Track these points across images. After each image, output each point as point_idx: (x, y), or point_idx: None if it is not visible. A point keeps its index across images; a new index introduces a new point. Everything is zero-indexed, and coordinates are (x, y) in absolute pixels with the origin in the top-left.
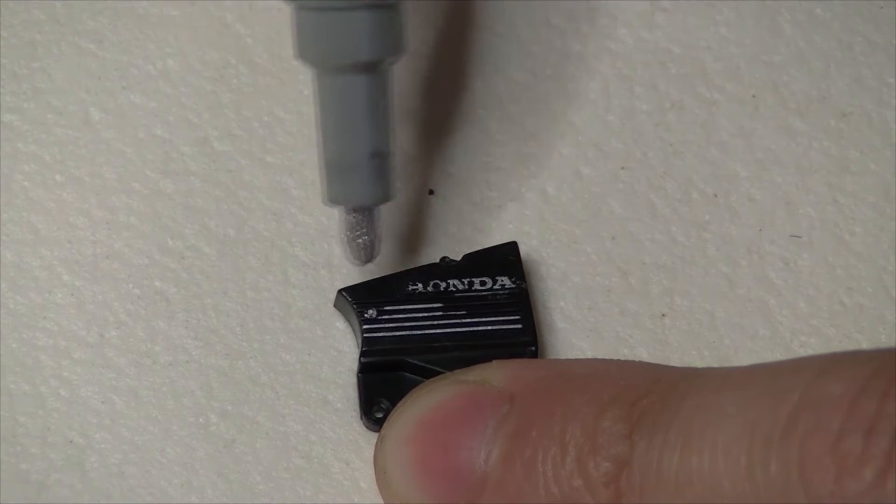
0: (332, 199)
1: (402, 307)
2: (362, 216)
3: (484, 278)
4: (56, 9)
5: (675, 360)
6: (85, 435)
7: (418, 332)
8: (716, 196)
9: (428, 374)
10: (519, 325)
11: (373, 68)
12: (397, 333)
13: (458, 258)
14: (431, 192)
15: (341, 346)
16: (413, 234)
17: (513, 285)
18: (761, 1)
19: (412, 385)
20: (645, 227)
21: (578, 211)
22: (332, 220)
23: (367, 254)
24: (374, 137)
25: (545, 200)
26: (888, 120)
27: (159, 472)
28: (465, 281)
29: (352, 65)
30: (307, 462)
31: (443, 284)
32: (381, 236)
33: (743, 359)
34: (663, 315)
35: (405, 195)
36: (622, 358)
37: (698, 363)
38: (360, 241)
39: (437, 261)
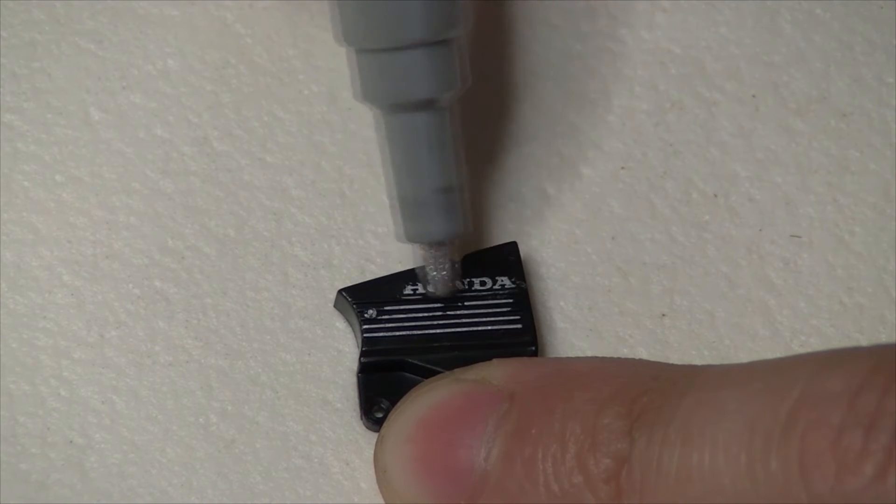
0: (408, 237)
1: (402, 307)
2: (437, 251)
3: (484, 278)
4: (56, 9)
5: (675, 359)
6: (85, 435)
7: (418, 332)
8: (716, 196)
9: (428, 374)
10: (519, 325)
11: (433, 105)
12: (397, 333)
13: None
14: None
15: (341, 346)
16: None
17: (513, 285)
18: (761, 1)
19: (412, 385)
20: (645, 227)
21: (578, 211)
22: (332, 220)
23: (444, 287)
24: (440, 173)
25: (545, 200)
26: (888, 120)
27: (159, 472)
28: (465, 281)
29: (413, 103)
30: (307, 462)
31: None
32: (458, 269)
33: (743, 358)
34: (663, 315)
35: None
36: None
37: (698, 363)
38: (438, 275)
39: None
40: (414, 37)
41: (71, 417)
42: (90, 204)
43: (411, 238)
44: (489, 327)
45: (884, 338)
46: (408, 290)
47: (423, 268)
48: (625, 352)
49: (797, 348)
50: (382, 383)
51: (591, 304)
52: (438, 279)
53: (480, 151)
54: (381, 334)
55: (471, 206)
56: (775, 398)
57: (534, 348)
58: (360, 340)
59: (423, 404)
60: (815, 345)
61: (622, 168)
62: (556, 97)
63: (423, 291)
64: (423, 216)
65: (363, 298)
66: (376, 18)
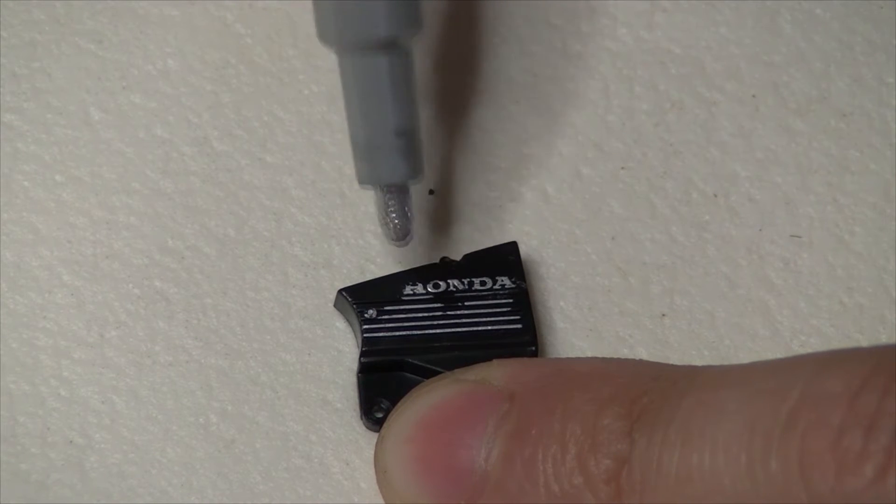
0: (362, 180)
1: (402, 307)
2: (393, 195)
3: (484, 278)
4: (56, 9)
5: (675, 359)
6: (85, 435)
7: (418, 332)
8: (716, 196)
9: (428, 374)
10: (519, 325)
11: (391, 46)
12: (397, 333)
13: (458, 258)
14: (431, 192)
15: (341, 346)
16: (413, 235)
17: (513, 285)
18: (761, 1)
19: (412, 385)
20: (645, 227)
21: (578, 211)
22: (332, 220)
23: (398, 233)
24: (397, 116)
25: (545, 200)
26: (888, 120)
27: (159, 472)
28: (465, 281)
29: (370, 43)
30: (307, 462)
31: (443, 284)
32: (413, 215)
33: (743, 359)
34: (663, 315)
35: None
36: (622, 357)
37: (698, 363)
38: (392, 222)
39: (437, 261)
40: None
41: (71, 417)
42: (90, 204)
43: (366, 181)
44: (489, 327)
45: (884, 338)
46: (408, 290)
47: (379, 214)
48: (625, 352)
49: (797, 348)
50: (382, 383)
51: (591, 304)
52: (398, 225)
53: (480, 151)
54: (381, 334)
55: (423, 152)
56: (775, 398)
57: (534, 348)
58: (360, 340)
59: (423, 404)
60: (815, 345)
61: (622, 168)
62: (556, 97)
63: (423, 290)
64: (379, 159)
65: (363, 298)
66: None
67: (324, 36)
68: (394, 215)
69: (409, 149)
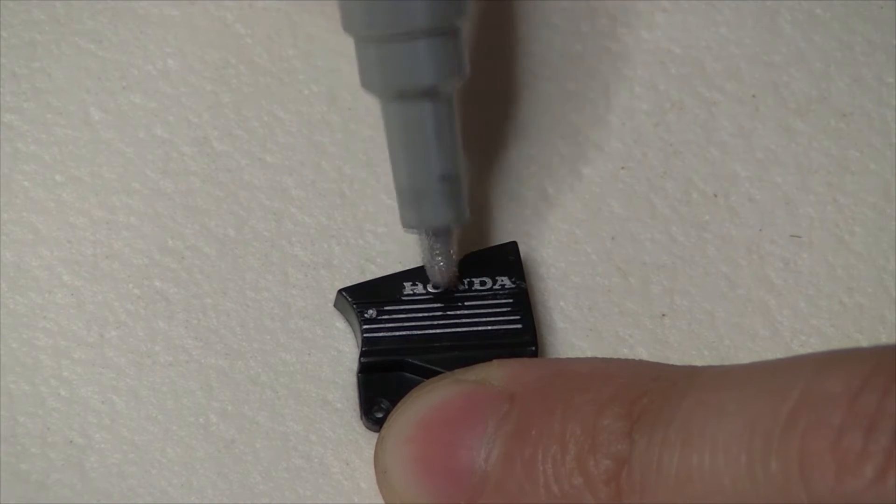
0: (407, 224)
1: (402, 307)
2: (439, 239)
3: (484, 278)
4: (56, 9)
5: (675, 360)
6: (85, 435)
7: (418, 332)
8: (716, 196)
9: (428, 374)
10: (519, 325)
11: (434, 93)
12: (397, 333)
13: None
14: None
15: (341, 346)
16: (413, 235)
17: (513, 285)
18: (761, 1)
19: (412, 385)
20: (645, 227)
21: (578, 211)
22: (332, 220)
23: (445, 276)
24: (442, 161)
25: (545, 200)
26: (888, 120)
27: (159, 472)
28: (465, 281)
29: (413, 92)
30: (307, 462)
31: None
32: (455, 258)
33: (743, 359)
34: (663, 315)
35: None
36: (622, 358)
37: (698, 363)
38: (438, 265)
39: None
40: (415, 25)
41: (71, 417)
42: (90, 204)
43: (412, 225)
44: (489, 327)
45: (884, 338)
46: (408, 289)
47: (424, 257)
48: (625, 352)
49: (797, 348)
50: (382, 383)
51: (591, 304)
52: (441, 269)
53: (480, 151)
54: (381, 334)
55: (469, 197)
56: (775, 399)
57: (534, 348)
58: (360, 340)
59: (423, 405)
60: (815, 345)
61: (622, 168)
62: (556, 97)
63: (422, 290)
64: (423, 204)
65: (363, 298)
66: (377, 6)
67: (369, 84)
68: (440, 259)
69: (454, 193)
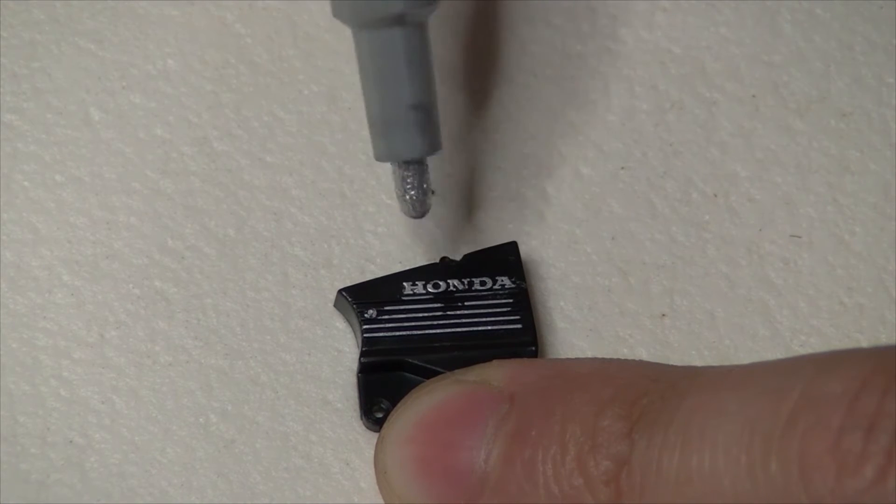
0: (379, 156)
1: (402, 307)
2: (409, 170)
3: (484, 278)
4: (56, 9)
5: (675, 360)
6: (85, 435)
7: (418, 332)
8: (716, 196)
9: (428, 374)
10: (519, 325)
11: (405, 21)
12: (397, 333)
13: (458, 258)
14: (432, 192)
15: (341, 346)
16: (413, 234)
17: (513, 285)
18: (761, 1)
19: (412, 385)
20: (645, 227)
21: (578, 211)
22: (332, 220)
23: (416, 208)
24: (413, 90)
25: (545, 200)
26: (888, 120)
27: (159, 472)
28: (465, 281)
29: (384, 18)
30: (307, 462)
31: (443, 284)
32: (430, 189)
33: (743, 359)
34: (663, 315)
35: None
36: (622, 358)
37: (698, 363)
38: (409, 195)
39: (437, 261)
40: None
41: (71, 417)
42: (90, 204)
43: (385, 156)
44: (489, 327)
45: (884, 338)
46: (408, 289)
47: (397, 189)
48: (625, 352)
49: (797, 348)
50: (382, 383)
51: (591, 304)
52: (415, 199)
53: (480, 151)
54: (381, 334)
55: (440, 126)
56: (775, 400)
57: (534, 348)
58: (360, 340)
59: (423, 405)
60: (815, 345)
61: (622, 168)
62: (556, 97)
63: (423, 290)
64: (395, 134)
65: (363, 298)
66: None
67: (339, 12)
68: (412, 191)
69: (426, 123)
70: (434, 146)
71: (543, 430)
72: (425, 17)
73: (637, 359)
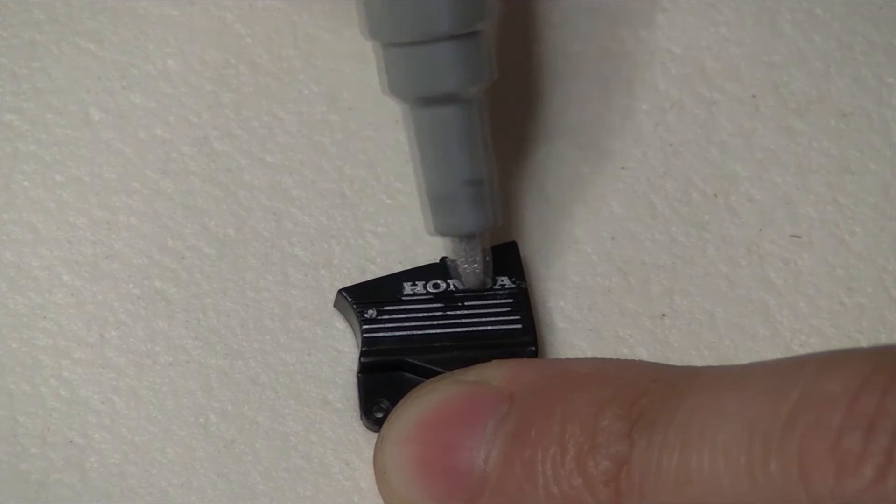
0: (437, 230)
1: (402, 307)
2: (467, 244)
3: None
4: (56, 9)
5: (675, 360)
6: (85, 435)
7: (418, 332)
8: (716, 196)
9: (428, 374)
10: (519, 325)
11: (460, 97)
12: (397, 333)
13: None
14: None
15: (341, 346)
16: (413, 234)
17: (513, 285)
18: (761, 1)
19: (412, 385)
20: (645, 227)
21: (578, 211)
22: (332, 220)
23: (474, 280)
24: (468, 166)
25: (545, 200)
26: (888, 120)
27: (159, 472)
28: None
29: (439, 96)
30: (307, 462)
31: (443, 284)
32: (489, 261)
33: (743, 359)
34: (663, 315)
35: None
36: (622, 358)
37: (698, 363)
38: (469, 268)
39: (437, 261)
40: (440, 30)
41: (71, 417)
42: (90, 204)
43: (441, 231)
44: (489, 327)
45: (884, 338)
46: (408, 289)
47: (453, 261)
48: (625, 352)
49: (797, 348)
50: (382, 383)
51: (591, 304)
52: (469, 272)
53: None
54: (381, 334)
55: (500, 199)
56: (775, 400)
57: (534, 348)
58: (360, 340)
59: (422, 405)
60: (815, 345)
61: (622, 168)
62: (556, 97)
63: (422, 290)
64: (452, 209)
65: (363, 298)
66: (403, 12)
67: (393, 89)
68: (476, 265)
69: (481, 198)
70: (489, 220)
71: (543, 430)
72: (480, 93)
73: (637, 359)
